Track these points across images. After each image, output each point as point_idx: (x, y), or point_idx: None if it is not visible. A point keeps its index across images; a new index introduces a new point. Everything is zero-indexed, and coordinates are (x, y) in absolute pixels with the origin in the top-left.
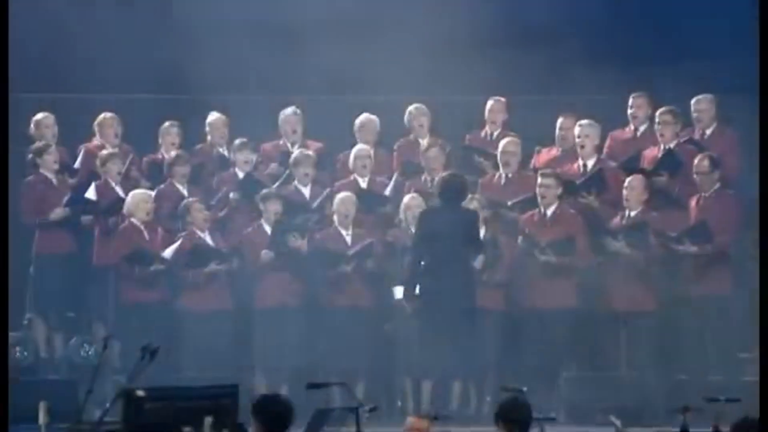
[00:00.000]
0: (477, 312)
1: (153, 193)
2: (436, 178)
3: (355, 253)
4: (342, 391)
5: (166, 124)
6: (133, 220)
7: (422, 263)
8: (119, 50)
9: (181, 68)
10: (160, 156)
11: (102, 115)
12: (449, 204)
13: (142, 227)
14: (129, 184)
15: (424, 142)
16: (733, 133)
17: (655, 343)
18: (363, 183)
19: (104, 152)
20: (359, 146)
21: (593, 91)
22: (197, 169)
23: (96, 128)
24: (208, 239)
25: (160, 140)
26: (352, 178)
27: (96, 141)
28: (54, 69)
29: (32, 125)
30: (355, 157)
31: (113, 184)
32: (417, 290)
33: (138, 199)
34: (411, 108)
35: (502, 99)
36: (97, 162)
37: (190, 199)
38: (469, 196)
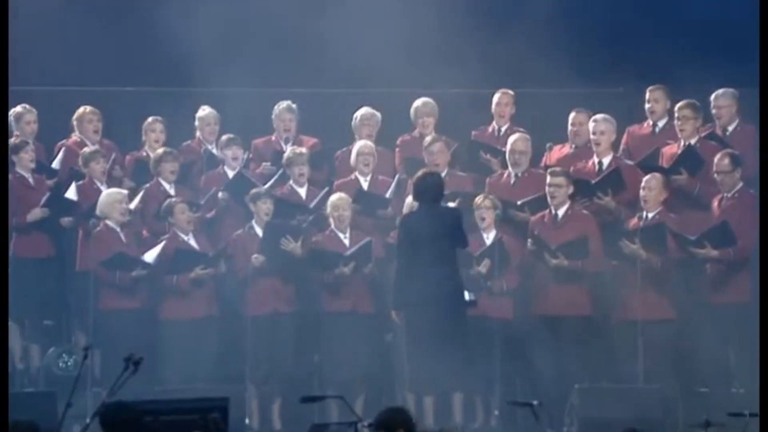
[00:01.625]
0: (477, 320)
1: (126, 192)
2: (412, 179)
3: (353, 252)
4: (339, 404)
5: (150, 119)
6: (108, 222)
7: (406, 270)
8: (98, 40)
9: (165, 59)
10: (144, 153)
11: (81, 109)
12: (428, 205)
13: (118, 229)
14: (113, 184)
15: (428, 138)
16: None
17: (674, 354)
18: (364, 182)
19: (87, 150)
20: (362, 142)
21: (608, 83)
22: (186, 168)
23: (74, 123)
24: (192, 242)
25: (143, 137)
26: (353, 176)
27: (75, 137)
28: (28, 61)
29: (12, 118)
30: (358, 154)
31: (98, 184)
32: (402, 299)
33: (111, 199)
34: (418, 103)
35: (510, 92)
36: (80, 161)
37: (174, 199)
38: (482, 195)
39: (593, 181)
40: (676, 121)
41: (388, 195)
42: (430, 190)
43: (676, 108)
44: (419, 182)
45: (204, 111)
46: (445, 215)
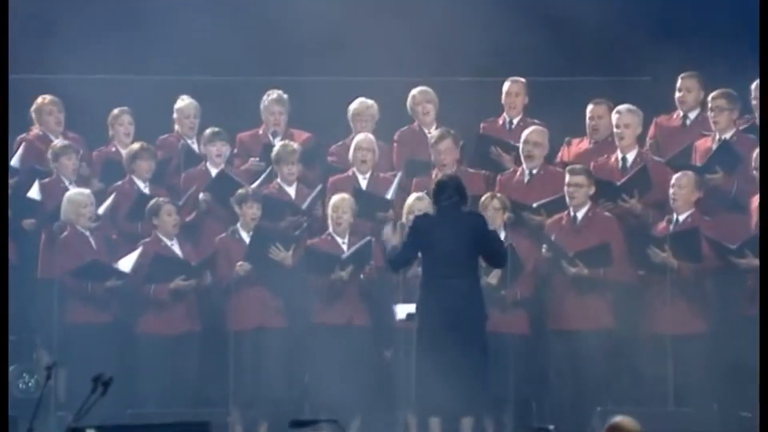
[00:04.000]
0: (488, 337)
1: (89, 192)
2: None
3: (350, 254)
4: (333, 428)
5: (116, 111)
6: (76, 227)
7: (420, 278)
8: (58, 22)
9: (140, 44)
10: (113, 149)
11: (39, 99)
12: (448, 209)
13: (87, 234)
14: (81, 183)
15: (430, 132)
16: None
17: (709, 373)
18: (363, 180)
19: (57, 144)
20: (362, 135)
21: (634, 70)
22: (161, 164)
23: (33, 115)
24: (176, 248)
25: (110, 131)
26: (350, 173)
27: (36, 130)
28: None
29: None
30: (356, 149)
31: (66, 182)
32: (413, 310)
33: (75, 202)
34: (414, 92)
35: (521, 80)
36: (49, 155)
37: (161, 199)
38: (489, 194)
39: (618, 183)
40: (709, 113)
41: (389, 196)
42: (449, 192)
43: (709, 98)
44: (439, 183)
45: (183, 101)
46: (465, 221)
